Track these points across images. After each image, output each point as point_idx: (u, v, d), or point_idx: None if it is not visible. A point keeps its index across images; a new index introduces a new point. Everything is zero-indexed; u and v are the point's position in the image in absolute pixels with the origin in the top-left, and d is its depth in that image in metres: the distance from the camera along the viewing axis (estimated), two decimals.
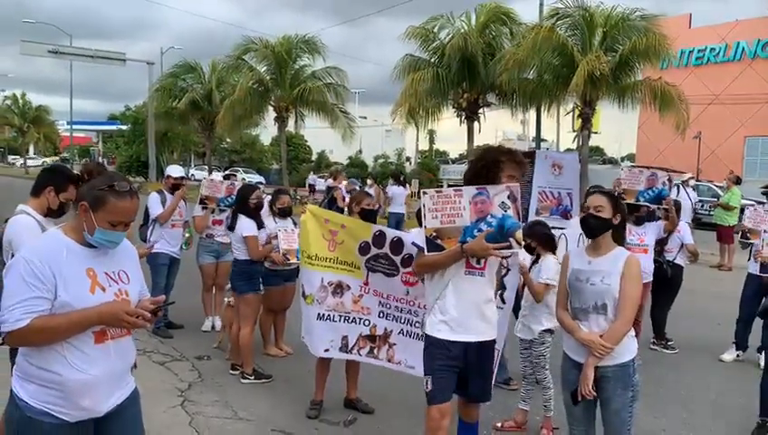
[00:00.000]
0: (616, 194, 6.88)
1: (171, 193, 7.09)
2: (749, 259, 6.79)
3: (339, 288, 4.66)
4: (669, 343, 7.18)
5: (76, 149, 59.45)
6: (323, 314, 4.69)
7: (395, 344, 4.62)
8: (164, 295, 2.75)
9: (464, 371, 3.49)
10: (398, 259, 4.53)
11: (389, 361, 4.65)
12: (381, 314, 4.63)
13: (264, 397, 5.38)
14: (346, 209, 10.06)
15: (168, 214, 6.90)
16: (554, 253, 4.78)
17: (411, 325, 4.57)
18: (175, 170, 7.37)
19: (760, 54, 33.50)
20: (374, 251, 4.57)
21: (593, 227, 3.38)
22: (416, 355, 4.53)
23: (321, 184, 16.43)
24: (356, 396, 5.11)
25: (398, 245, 4.53)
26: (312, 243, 4.73)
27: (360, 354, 4.70)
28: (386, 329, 4.62)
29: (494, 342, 3.58)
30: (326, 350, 4.76)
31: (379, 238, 4.56)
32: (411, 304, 4.55)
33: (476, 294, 3.46)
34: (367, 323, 4.64)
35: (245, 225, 5.69)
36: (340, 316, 4.66)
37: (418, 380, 4.61)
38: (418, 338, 4.53)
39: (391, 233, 4.63)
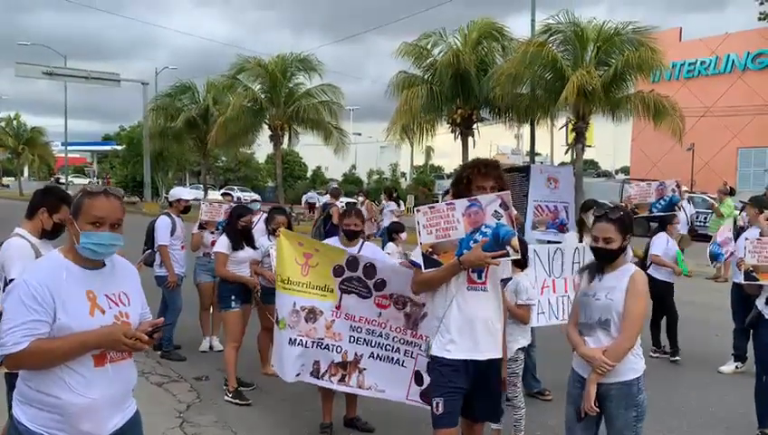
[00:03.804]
0: (629, 210, 6.96)
1: (179, 216, 7.24)
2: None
3: (312, 314, 4.61)
4: (667, 351, 7.24)
5: (71, 169, 59.38)
6: (294, 339, 4.63)
7: (365, 369, 4.57)
8: (162, 318, 2.73)
9: (470, 391, 3.40)
10: (370, 283, 4.52)
11: (360, 387, 4.60)
12: (352, 339, 4.58)
13: (263, 417, 5.35)
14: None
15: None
16: (524, 270, 4.76)
17: (382, 348, 4.54)
18: (185, 193, 7.61)
19: (750, 66, 33.87)
20: (348, 274, 4.56)
21: (605, 259, 3.38)
22: (385, 379, 4.53)
23: (321, 200, 16.39)
24: (355, 415, 5.09)
25: (370, 270, 4.52)
26: (285, 267, 4.73)
27: (331, 382, 4.64)
28: (356, 354, 4.57)
29: (500, 360, 3.51)
30: (297, 374, 4.70)
31: (352, 263, 4.56)
32: (383, 326, 4.52)
33: (481, 310, 3.40)
34: (339, 349, 4.58)
35: (220, 241, 6.04)
36: (313, 342, 4.60)
37: None
38: (388, 360, 4.53)
39: (365, 259, 4.61)
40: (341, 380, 4.60)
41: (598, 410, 3.29)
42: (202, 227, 7.38)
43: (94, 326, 2.36)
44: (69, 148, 52.29)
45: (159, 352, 6.95)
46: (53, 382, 2.34)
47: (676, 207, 7.27)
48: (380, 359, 4.55)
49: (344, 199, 15.24)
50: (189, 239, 7.44)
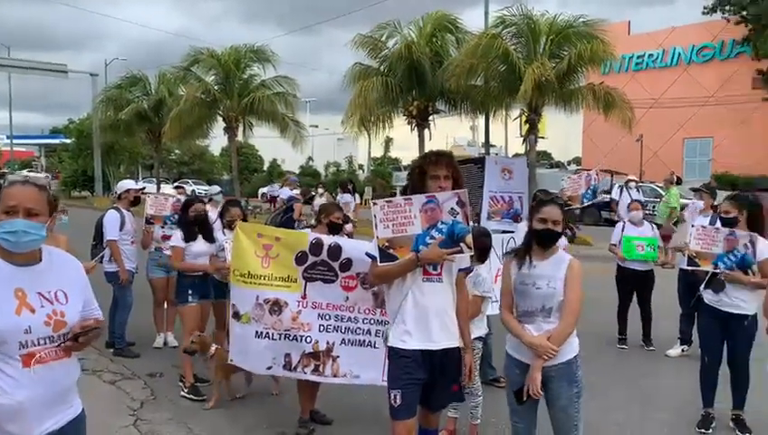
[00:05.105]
0: (564, 202, 7.27)
1: (128, 210, 7.05)
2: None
3: (276, 306, 4.61)
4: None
5: (17, 164, 57.37)
6: (261, 332, 4.63)
7: (338, 357, 4.59)
8: (96, 320, 2.56)
9: (429, 381, 3.43)
10: (336, 264, 4.54)
11: (335, 375, 4.62)
12: (321, 328, 4.59)
13: (219, 413, 5.29)
14: (302, 222, 10.01)
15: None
16: (483, 263, 4.83)
17: (353, 333, 4.58)
18: (132, 184, 7.43)
19: (695, 59, 34.94)
20: (311, 259, 4.57)
21: (551, 240, 3.51)
22: (359, 363, 4.56)
23: (284, 193, 16.08)
24: (314, 407, 5.08)
25: (335, 250, 4.54)
26: (245, 261, 4.69)
27: (305, 372, 4.65)
28: (328, 343, 4.59)
29: (458, 349, 3.53)
30: (269, 368, 4.70)
31: (316, 247, 4.57)
32: (351, 310, 4.57)
33: (436, 301, 3.43)
34: (309, 340, 4.59)
35: (175, 235, 5.94)
36: (280, 334, 4.60)
37: (376, 391, 4.62)
38: (360, 344, 4.57)
39: (328, 240, 4.62)
40: (315, 370, 4.61)
41: (542, 393, 3.42)
42: (149, 221, 7.23)
43: (21, 325, 2.29)
44: (15, 141, 50.58)
45: (112, 350, 6.82)
46: None
47: (598, 194, 8.03)
48: (352, 344, 4.58)
49: (296, 192, 15.19)
50: (140, 234, 7.27)
